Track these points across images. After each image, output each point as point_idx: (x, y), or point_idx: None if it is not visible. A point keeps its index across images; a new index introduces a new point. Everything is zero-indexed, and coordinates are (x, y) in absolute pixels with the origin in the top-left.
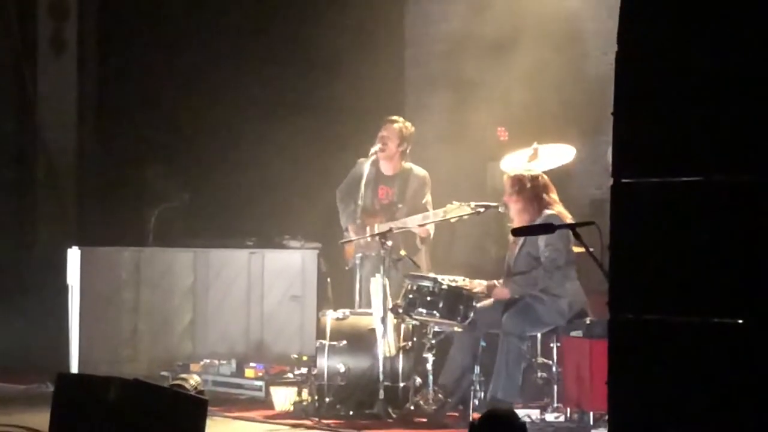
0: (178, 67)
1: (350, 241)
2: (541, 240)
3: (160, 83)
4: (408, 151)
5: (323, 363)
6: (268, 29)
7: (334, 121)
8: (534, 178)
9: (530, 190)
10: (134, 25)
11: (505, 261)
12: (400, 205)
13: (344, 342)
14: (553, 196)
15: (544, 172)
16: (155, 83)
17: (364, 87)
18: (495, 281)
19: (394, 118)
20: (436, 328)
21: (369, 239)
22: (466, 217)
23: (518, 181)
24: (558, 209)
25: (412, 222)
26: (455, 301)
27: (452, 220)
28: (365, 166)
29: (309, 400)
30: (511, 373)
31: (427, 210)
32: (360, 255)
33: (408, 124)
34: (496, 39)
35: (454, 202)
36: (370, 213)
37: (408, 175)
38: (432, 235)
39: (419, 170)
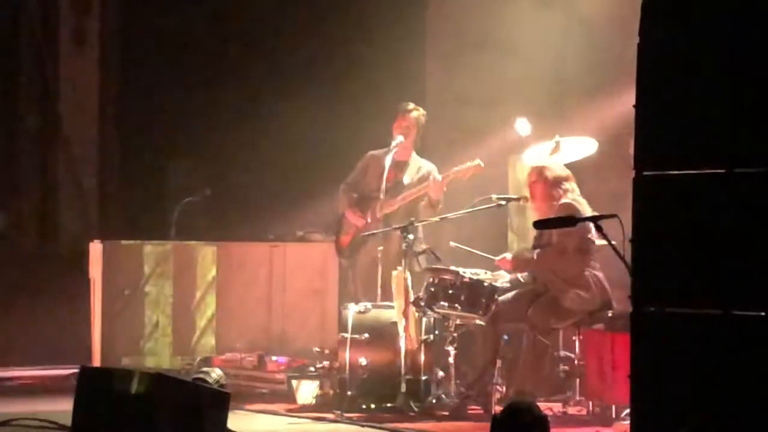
0: (200, 60)
1: (373, 233)
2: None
3: (181, 77)
4: (420, 139)
5: (345, 356)
6: (289, 22)
7: (354, 116)
8: (552, 169)
9: (548, 181)
10: (156, 18)
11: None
12: (406, 183)
13: (366, 335)
14: (570, 185)
15: (566, 165)
16: (176, 77)
17: (384, 80)
18: (518, 275)
19: (411, 107)
20: (458, 321)
21: (369, 221)
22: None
23: (536, 173)
24: (572, 197)
25: (412, 191)
26: (477, 294)
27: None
28: (387, 158)
29: (331, 394)
30: (534, 367)
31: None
32: (370, 245)
33: (422, 110)
34: (518, 31)
35: None
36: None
37: (417, 162)
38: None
39: (428, 163)
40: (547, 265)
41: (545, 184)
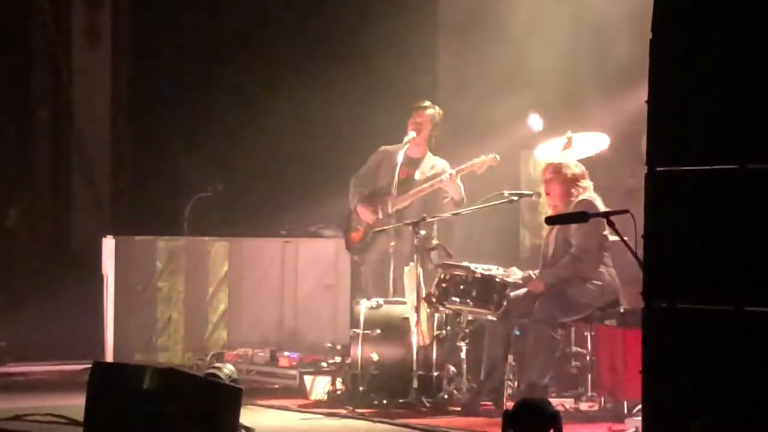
0: (212, 56)
1: (384, 230)
2: (573, 225)
3: (194, 73)
4: (435, 137)
5: (357, 352)
6: (300, 15)
7: (367, 111)
8: (569, 167)
9: (566, 177)
10: (168, 13)
11: (541, 251)
12: (417, 179)
13: (378, 331)
14: (587, 183)
15: (579, 161)
16: (189, 72)
17: (397, 75)
18: (530, 271)
19: (426, 104)
20: (470, 317)
21: (380, 216)
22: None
23: (552, 170)
24: (590, 195)
25: (426, 184)
26: (488, 290)
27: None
28: (399, 155)
29: (343, 389)
30: (544, 362)
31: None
32: (383, 243)
33: (438, 108)
34: (531, 25)
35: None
36: (386, 193)
37: (430, 160)
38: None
39: (441, 160)
40: (570, 270)
41: (563, 182)
